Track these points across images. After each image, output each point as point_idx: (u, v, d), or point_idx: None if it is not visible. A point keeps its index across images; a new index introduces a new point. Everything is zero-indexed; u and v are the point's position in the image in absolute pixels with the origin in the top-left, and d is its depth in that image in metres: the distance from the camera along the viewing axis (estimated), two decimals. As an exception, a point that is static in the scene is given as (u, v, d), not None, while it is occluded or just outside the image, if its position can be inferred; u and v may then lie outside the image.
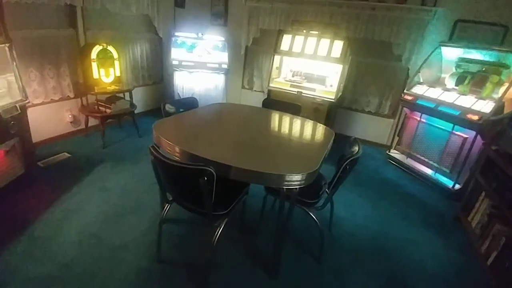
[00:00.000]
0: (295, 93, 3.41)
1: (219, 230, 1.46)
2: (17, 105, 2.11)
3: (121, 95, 3.34)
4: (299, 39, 3.42)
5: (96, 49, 2.91)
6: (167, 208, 1.58)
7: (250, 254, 1.84)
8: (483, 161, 2.25)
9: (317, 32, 3.35)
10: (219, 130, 2.02)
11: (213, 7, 4.53)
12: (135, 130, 3.45)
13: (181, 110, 2.11)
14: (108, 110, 3.03)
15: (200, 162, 1.26)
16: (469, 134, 2.61)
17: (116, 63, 3.14)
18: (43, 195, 2.22)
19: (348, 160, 1.44)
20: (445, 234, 2.25)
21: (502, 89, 2.50)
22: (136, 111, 3.42)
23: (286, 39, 3.49)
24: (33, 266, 1.59)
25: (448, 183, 2.80)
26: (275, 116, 2.34)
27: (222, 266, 1.70)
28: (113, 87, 3.12)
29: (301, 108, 2.49)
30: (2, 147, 2.05)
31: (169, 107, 2.05)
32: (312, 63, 3.49)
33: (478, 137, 2.51)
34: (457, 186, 2.72)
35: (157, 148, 1.32)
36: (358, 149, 1.58)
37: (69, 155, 2.88)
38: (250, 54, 4.50)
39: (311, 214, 1.68)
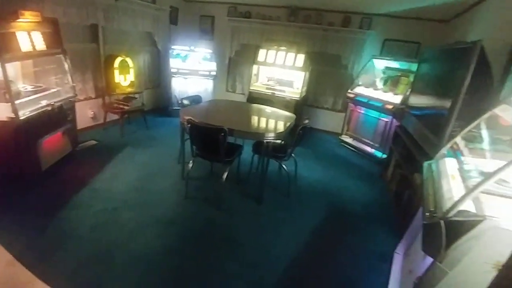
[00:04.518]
0: (270, 94, 4.47)
1: (226, 173, 2.42)
2: (70, 99, 2.92)
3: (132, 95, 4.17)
4: (271, 52, 4.51)
5: (118, 60, 3.75)
6: (193, 162, 2.51)
7: (243, 193, 2.82)
8: (394, 135, 3.44)
9: (285, 48, 4.47)
10: (222, 112, 3.04)
11: (201, 25, 5.53)
12: (144, 124, 4.29)
13: (192, 103, 3.05)
14: (126, 107, 3.85)
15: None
16: (389, 118, 3.81)
17: (131, 70, 3.99)
18: (91, 165, 3.01)
19: (301, 127, 2.48)
20: (372, 183, 3.40)
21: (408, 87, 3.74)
22: (143, 109, 4.27)
23: (261, 53, 4.55)
24: (99, 203, 2.39)
25: (379, 154, 3.99)
26: (257, 106, 3.38)
27: (227, 199, 2.65)
28: (129, 89, 3.96)
29: (273, 103, 3.55)
30: (61, 129, 2.84)
31: (185, 101, 2.98)
32: (282, 71, 4.59)
33: (394, 120, 3.72)
34: (384, 156, 3.90)
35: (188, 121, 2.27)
36: (308, 122, 2.64)
37: (96, 142, 3.66)
38: (233, 64, 5.53)
39: (282, 164, 2.70)
